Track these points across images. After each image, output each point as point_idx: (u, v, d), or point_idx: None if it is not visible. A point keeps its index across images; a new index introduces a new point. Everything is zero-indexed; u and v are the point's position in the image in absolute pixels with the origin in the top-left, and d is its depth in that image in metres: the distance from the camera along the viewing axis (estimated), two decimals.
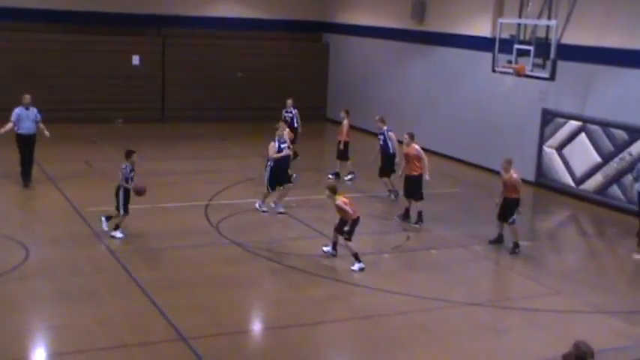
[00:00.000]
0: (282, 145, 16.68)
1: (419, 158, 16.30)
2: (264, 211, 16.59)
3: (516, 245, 14.85)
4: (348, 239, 13.45)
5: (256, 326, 11.62)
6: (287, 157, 16.85)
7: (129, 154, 14.48)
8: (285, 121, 20.26)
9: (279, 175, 16.55)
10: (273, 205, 16.73)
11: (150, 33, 27.73)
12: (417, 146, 16.38)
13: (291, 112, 21.70)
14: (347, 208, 13.39)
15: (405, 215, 16.47)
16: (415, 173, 16.26)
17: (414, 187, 16.29)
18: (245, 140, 24.92)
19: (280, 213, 16.51)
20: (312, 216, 16.52)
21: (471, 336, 11.22)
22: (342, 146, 19.98)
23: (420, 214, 16.25)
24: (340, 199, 13.50)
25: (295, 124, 21.34)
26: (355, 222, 13.44)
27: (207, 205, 16.87)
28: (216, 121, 27.36)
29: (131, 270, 12.81)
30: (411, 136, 16.44)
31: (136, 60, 27.18)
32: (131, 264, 13.10)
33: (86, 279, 12.55)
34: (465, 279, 13.75)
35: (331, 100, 30.21)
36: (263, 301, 12.45)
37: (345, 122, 20.23)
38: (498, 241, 15.21)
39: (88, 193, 17.52)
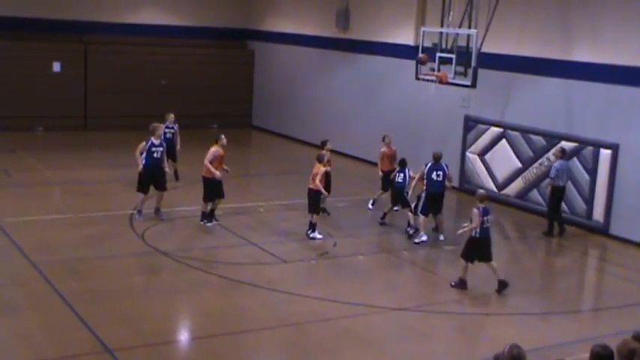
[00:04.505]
0: (154, 148, 16.24)
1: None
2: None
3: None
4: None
5: (183, 336, 11.50)
6: (159, 163, 16.41)
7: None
8: (165, 139, 18.41)
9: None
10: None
11: (72, 39, 27.19)
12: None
13: (172, 128, 19.46)
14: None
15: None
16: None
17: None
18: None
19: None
20: (239, 224, 16.45)
21: (399, 341, 11.33)
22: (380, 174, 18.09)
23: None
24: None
25: (176, 142, 19.41)
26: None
27: (132, 214, 16.61)
28: (141, 129, 26.77)
29: (53, 281, 12.50)
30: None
31: (57, 67, 26.62)
32: (53, 275, 12.78)
33: (5, 291, 12.19)
34: (391, 284, 13.89)
35: (257, 107, 30.18)
36: (189, 310, 12.33)
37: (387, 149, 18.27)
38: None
39: (7, 204, 17.09)
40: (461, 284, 13.37)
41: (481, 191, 13.72)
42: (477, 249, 13.27)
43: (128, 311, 11.71)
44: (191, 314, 12.21)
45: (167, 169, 17.03)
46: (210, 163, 15.84)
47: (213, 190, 16.03)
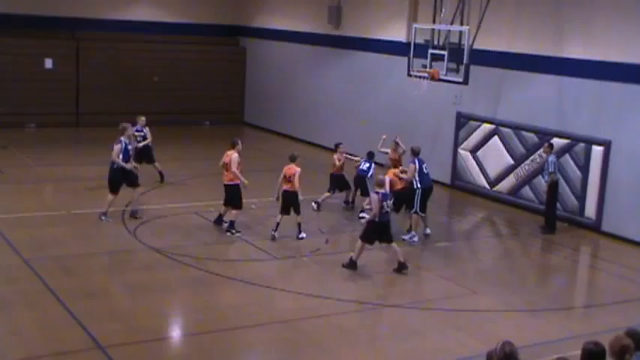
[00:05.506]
0: (129, 147, 16.09)
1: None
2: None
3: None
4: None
5: (174, 332, 11.49)
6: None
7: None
8: (137, 141, 18.52)
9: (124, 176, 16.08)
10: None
11: (64, 36, 27.10)
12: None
13: (142, 131, 19.15)
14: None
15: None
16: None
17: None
18: (161, 145, 24.53)
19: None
20: None
21: (392, 337, 11.34)
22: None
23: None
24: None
25: (149, 144, 19.27)
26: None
27: (123, 211, 16.57)
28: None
29: (45, 278, 12.47)
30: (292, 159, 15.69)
31: (48, 63, 26.51)
32: (45, 272, 12.74)
33: None
34: (383, 280, 13.90)
35: (248, 104, 30.13)
36: (181, 307, 12.31)
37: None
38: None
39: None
40: (351, 265, 13.76)
41: (380, 177, 14.20)
42: (378, 232, 13.68)
43: (120, 308, 11.70)
44: (183, 311, 12.19)
45: (133, 165, 16.57)
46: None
47: (238, 195, 15.67)
